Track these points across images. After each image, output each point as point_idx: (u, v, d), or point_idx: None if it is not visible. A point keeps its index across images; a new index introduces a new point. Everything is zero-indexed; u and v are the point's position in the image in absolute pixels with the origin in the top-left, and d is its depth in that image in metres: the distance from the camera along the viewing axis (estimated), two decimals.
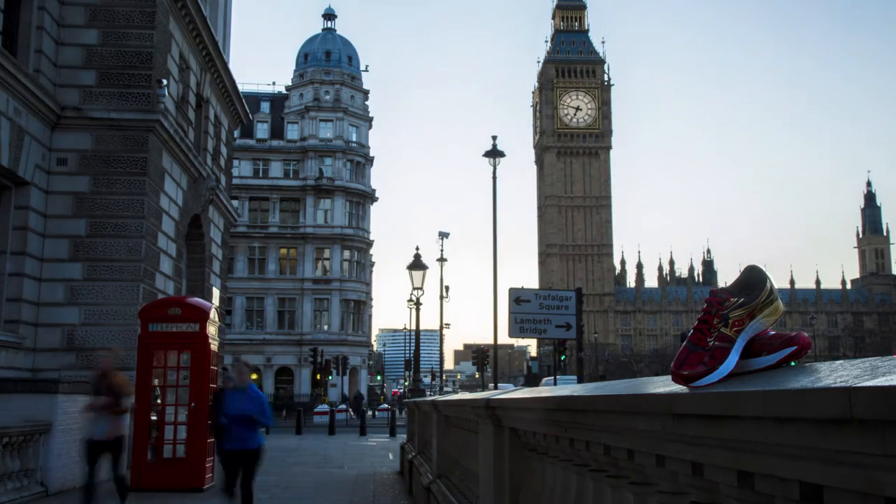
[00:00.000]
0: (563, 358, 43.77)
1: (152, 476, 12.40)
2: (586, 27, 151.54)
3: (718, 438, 1.69)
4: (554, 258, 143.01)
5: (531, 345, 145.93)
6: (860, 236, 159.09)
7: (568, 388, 3.70)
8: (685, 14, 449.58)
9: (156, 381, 12.89)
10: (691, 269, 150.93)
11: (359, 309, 65.15)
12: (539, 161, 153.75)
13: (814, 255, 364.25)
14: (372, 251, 69.14)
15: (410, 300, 34.42)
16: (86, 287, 16.91)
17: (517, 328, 15.32)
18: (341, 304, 63.08)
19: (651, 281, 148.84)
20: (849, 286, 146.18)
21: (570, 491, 3.36)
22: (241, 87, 27.84)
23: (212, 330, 13.14)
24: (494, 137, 24.76)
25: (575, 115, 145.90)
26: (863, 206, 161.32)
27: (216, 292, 24.71)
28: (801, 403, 1.33)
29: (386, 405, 55.07)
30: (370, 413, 48.96)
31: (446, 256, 40.24)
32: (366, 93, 69.33)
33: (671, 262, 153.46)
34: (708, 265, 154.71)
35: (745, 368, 1.94)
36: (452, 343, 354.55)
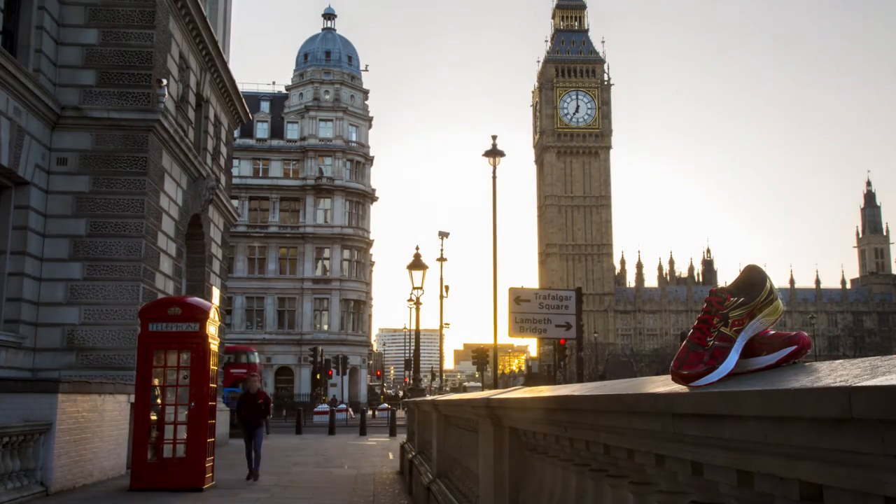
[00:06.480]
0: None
1: (152, 476, 12.39)
2: (586, 27, 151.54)
3: (718, 438, 1.69)
4: (554, 258, 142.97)
5: (531, 344, 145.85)
6: (860, 236, 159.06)
7: (567, 387, 3.70)
8: (685, 14, 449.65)
9: (156, 381, 12.89)
10: (691, 269, 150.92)
11: (359, 309, 65.13)
12: (539, 161, 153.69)
13: (814, 255, 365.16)
14: (372, 251, 69.17)
15: (410, 300, 34.36)
16: (86, 287, 16.90)
17: (517, 328, 15.34)
18: (341, 303, 63.07)
19: (651, 281, 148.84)
20: (849, 286, 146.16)
21: (570, 490, 3.36)
22: (241, 87, 27.83)
23: (212, 329, 13.15)
24: (494, 137, 24.71)
25: (575, 114, 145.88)
26: (863, 205, 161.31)
27: (216, 292, 24.70)
28: (801, 403, 1.33)
29: (386, 405, 54.96)
30: (370, 413, 48.92)
31: (446, 256, 40.15)
32: (365, 92, 69.32)
33: (671, 262, 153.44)
34: (708, 265, 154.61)
35: (745, 368, 1.94)
36: (452, 343, 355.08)
